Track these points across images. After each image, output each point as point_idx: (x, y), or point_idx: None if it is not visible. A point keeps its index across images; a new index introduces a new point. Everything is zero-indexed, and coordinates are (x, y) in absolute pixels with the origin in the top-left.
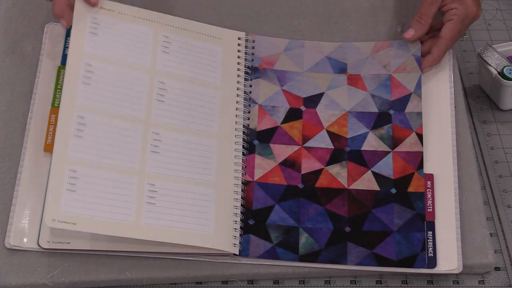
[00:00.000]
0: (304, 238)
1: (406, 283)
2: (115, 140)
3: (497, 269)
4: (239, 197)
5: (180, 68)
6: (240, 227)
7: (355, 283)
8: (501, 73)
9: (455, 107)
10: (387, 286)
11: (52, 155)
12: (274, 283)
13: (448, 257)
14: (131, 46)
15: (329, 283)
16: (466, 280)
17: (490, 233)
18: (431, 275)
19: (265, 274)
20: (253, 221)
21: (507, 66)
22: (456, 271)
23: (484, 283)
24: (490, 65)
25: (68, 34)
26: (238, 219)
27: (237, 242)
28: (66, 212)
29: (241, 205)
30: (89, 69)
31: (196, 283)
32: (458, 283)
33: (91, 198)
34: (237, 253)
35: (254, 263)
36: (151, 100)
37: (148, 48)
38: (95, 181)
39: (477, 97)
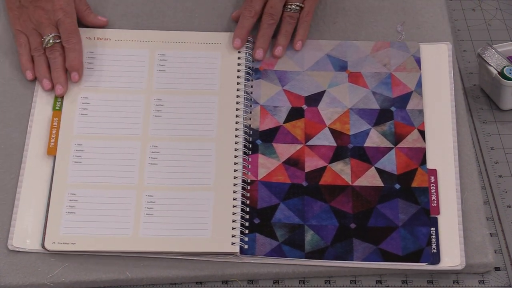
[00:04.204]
0: (309, 236)
1: (406, 283)
2: (113, 159)
3: (497, 269)
4: (239, 196)
5: (177, 83)
6: (245, 226)
7: (355, 283)
8: (501, 73)
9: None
10: (387, 286)
11: (52, 182)
12: (274, 283)
13: (451, 253)
14: (127, 72)
15: (329, 283)
16: (466, 280)
17: (490, 233)
18: (432, 274)
19: (265, 274)
20: (258, 220)
21: (507, 66)
22: (460, 267)
23: (484, 283)
24: (490, 65)
25: None
26: (238, 218)
27: (237, 241)
28: (65, 233)
29: (246, 204)
30: (85, 101)
31: (196, 283)
32: (458, 283)
33: (90, 216)
34: (238, 251)
35: (261, 261)
36: (148, 117)
37: (144, 70)
38: (94, 200)
39: (477, 97)
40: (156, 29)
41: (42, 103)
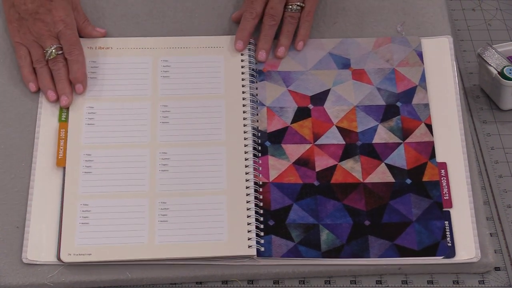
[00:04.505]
0: (325, 235)
1: (406, 283)
2: (123, 168)
3: (497, 269)
4: (252, 198)
5: (182, 88)
6: (260, 228)
7: (355, 283)
8: (501, 73)
9: None
10: (387, 286)
11: (64, 193)
12: (274, 283)
13: (466, 246)
14: (131, 80)
15: (329, 283)
16: (466, 280)
17: (490, 233)
18: (431, 274)
19: (265, 274)
20: (273, 222)
21: (507, 66)
22: (475, 260)
23: (484, 283)
24: (490, 65)
25: None
26: (253, 220)
27: (254, 243)
28: (80, 244)
29: (260, 206)
30: (91, 111)
31: (196, 283)
32: (458, 283)
33: (104, 226)
34: (255, 254)
35: (278, 263)
36: (155, 124)
37: (148, 77)
38: (107, 210)
39: (477, 97)
40: (156, 30)
41: (47, 115)
